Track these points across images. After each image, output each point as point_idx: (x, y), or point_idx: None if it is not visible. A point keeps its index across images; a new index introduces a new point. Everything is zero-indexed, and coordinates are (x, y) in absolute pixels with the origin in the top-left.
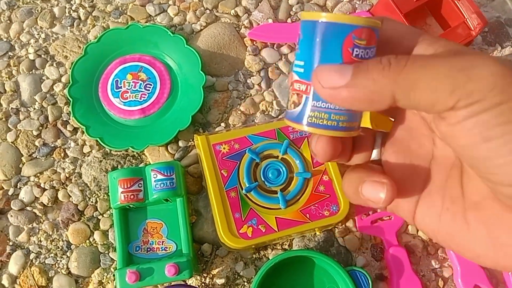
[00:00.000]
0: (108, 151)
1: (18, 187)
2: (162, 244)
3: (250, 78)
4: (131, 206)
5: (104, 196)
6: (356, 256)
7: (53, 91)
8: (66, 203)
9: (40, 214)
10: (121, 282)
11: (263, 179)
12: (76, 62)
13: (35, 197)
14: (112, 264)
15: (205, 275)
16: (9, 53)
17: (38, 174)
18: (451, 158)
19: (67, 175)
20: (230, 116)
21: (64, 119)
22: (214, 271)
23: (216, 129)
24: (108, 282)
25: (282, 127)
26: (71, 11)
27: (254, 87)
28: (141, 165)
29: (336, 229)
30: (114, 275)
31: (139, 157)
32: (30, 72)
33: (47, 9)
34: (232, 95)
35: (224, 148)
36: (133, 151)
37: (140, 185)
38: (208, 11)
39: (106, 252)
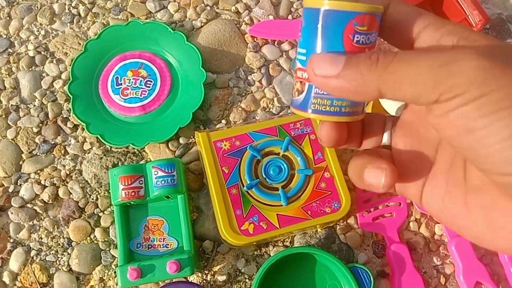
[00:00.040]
0: (109, 148)
1: (18, 184)
2: (163, 241)
3: (251, 75)
4: (132, 203)
5: (104, 193)
6: (357, 253)
7: (53, 88)
8: (67, 200)
9: (40, 211)
10: (122, 279)
11: (264, 176)
12: (76, 58)
13: (36, 194)
14: (113, 261)
15: (206, 272)
16: (9, 49)
17: (39, 171)
18: None
19: (68, 172)
20: (231, 113)
21: (64, 116)
22: (216, 268)
23: (217, 126)
24: (109, 279)
25: (283, 124)
26: (71, 7)
27: (255, 84)
28: (141, 162)
29: (338, 226)
30: (115, 272)
31: (139, 154)
32: (30, 69)
33: (46, 6)
34: (233, 92)
35: (225, 145)
36: (133, 148)
37: (141, 182)
38: (208, 8)
39: (107, 249)
